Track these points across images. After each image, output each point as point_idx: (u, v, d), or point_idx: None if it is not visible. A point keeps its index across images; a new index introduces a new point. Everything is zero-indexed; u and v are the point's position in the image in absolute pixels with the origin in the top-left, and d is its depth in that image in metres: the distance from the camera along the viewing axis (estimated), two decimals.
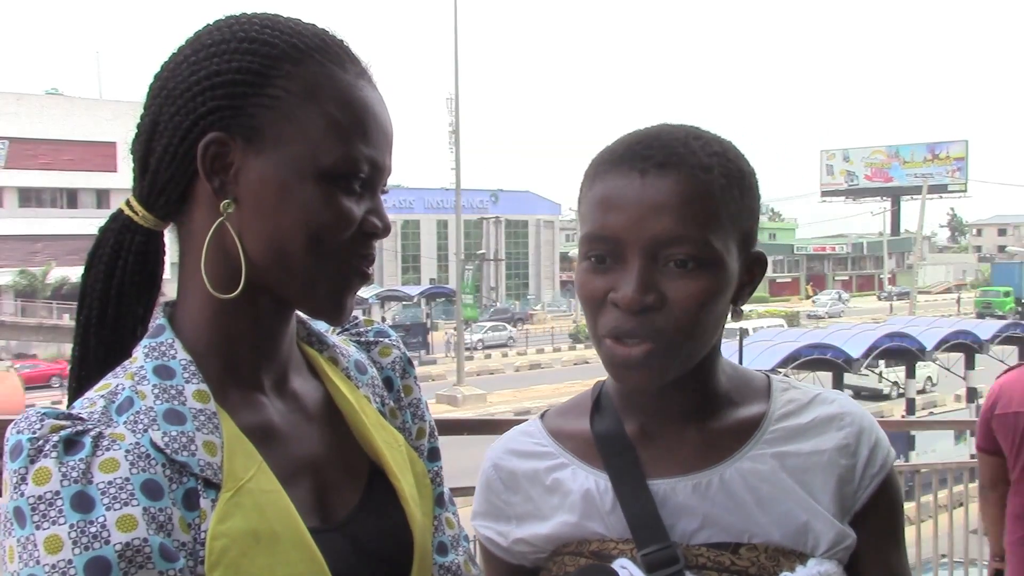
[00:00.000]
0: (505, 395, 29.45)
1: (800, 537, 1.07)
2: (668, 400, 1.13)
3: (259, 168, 0.95)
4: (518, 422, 1.27)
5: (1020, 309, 53.09)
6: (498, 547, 1.22)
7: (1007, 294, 54.94)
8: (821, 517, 1.08)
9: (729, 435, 1.12)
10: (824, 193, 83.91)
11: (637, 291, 1.02)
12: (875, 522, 1.12)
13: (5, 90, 47.40)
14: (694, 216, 1.02)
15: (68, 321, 39.77)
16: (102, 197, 47.24)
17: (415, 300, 44.25)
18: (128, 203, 1.01)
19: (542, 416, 1.25)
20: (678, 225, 1.02)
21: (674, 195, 1.02)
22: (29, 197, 47.35)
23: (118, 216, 1.01)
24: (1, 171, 45.63)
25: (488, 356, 40.26)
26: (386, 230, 1.01)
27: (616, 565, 1.06)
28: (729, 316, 1.13)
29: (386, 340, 1.20)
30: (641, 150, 1.05)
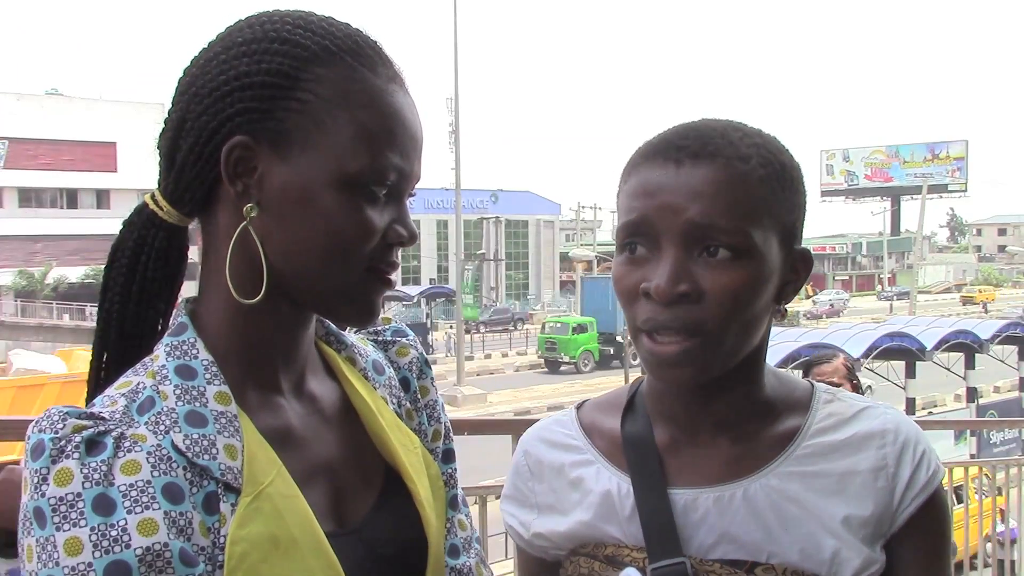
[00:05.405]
0: (505, 395, 29.40)
1: (822, 562, 1.02)
2: (703, 409, 1.08)
3: (283, 174, 0.93)
4: (518, 422, 1.26)
5: (612, 351, 33.99)
6: (520, 538, 1.20)
7: (579, 328, 34.96)
8: (848, 543, 1.02)
9: (761, 448, 1.07)
10: (824, 193, 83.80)
11: (669, 280, 0.98)
12: (917, 541, 1.05)
13: (5, 90, 47.28)
14: (729, 205, 0.99)
15: (68, 321, 39.83)
16: (102, 197, 47.02)
17: (415, 300, 44.15)
18: (153, 197, 0.99)
19: (579, 407, 1.21)
20: (712, 212, 0.98)
21: (709, 183, 0.99)
22: (29, 197, 47.21)
23: (142, 210, 1.00)
24: (1, 171, 45.55)
25: (488, 356, 40.20)
26: (411, 239, 0.99)
27: (623, 574, 1.04)
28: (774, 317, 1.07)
29: (403, 340, 1.19)
30: (677, 141, 1.03)
